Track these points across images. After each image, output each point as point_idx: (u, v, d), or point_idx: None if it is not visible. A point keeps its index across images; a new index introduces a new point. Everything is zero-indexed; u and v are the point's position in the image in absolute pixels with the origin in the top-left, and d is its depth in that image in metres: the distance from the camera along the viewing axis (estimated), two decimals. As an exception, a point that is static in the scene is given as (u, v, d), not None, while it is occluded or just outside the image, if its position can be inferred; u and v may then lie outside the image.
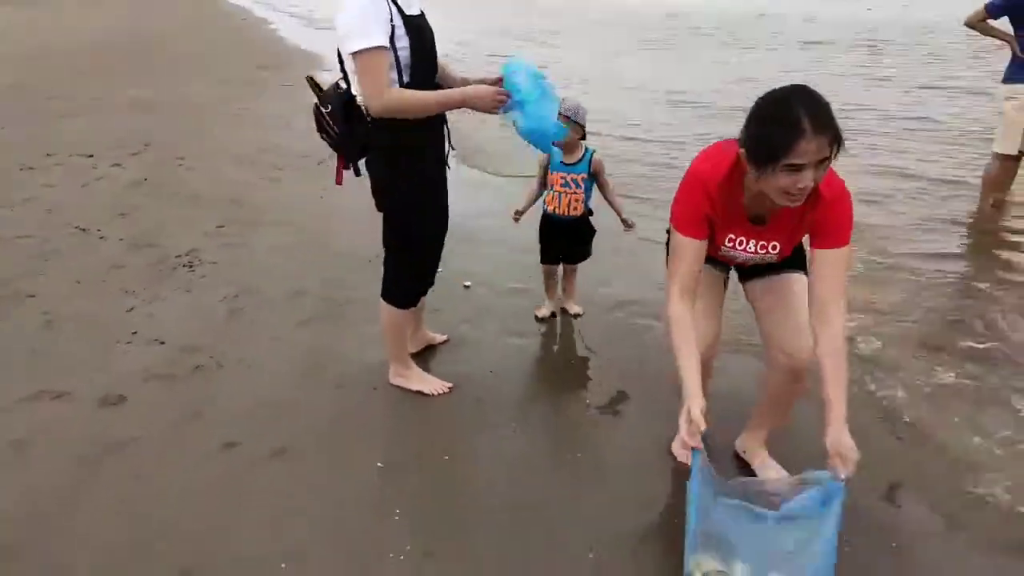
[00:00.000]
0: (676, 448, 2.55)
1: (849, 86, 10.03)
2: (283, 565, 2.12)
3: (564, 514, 2.31)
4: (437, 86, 2.57)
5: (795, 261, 2.24)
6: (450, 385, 3.01)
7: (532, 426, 2.79)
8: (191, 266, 4.26)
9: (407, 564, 2.12)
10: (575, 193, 3.37)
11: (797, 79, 1.87)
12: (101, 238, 4.70)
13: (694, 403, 1.86)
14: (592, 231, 3.51)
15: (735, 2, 28.04)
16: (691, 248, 2.02)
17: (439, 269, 2.95)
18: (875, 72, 11.47)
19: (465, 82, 2.66)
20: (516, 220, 3.51)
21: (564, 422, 2.83)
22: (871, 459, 2.05)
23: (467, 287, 3.98)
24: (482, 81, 2.61)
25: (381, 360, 3.13)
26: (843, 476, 1.73)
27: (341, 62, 2.53)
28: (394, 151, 2.55)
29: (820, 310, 1.92)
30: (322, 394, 2.99)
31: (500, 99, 2.46)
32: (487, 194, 5.70)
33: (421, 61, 2.47)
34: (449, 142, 2.76)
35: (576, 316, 3.66)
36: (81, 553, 2.16)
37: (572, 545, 2.18)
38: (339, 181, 2.77)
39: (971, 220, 5.06)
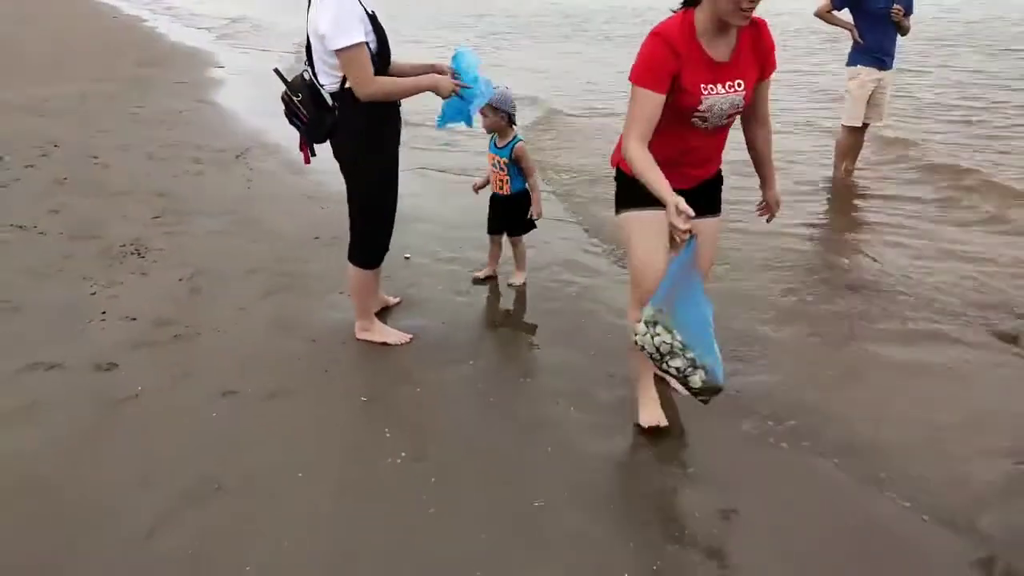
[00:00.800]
0: (645, 418, 2.79)
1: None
2: (300, 474, 2.56)
3: (525, 420, 2.87)
4: (389, 75, 3.04)
5: (714, 204, 2.67)
6: (410, 336, 3.49)
7: (486, 359, 3.34)
8: (139, 253, 4.50)
9: (404, 466, 2.61)
10: (500, 173, 3.91)
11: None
12: (41, 233, 4.83)
13: (677, 198, 2.15)
14: (527, 207, 3.94)
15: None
16: (651, 100, 2.26)
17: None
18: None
19: (415, 70, 3.15)
20: (476, 192, 4.15)
21: (512, 354, 3.39)
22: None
23: (407, 259, 4.45)
24: (432, 67, 3.13)
25: (343, 319, 3.58)
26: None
27: (308, 53, 2.96)
28: (366, 133, 3.01)
29: (762, 118, 2.55)
30: (298, 348, 3.41)
31: (457, 86, 3.03)
32: (419, 179, 6.16)
33: (380, 54, 2.94)
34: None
35: (512, 286, 4.12)
36: (114, 480, 2.52)
37: (533, 440, 2.75)
38: (307, 161, 3.20)
39: (829, 184, 6.00)
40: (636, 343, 2.35)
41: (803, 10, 10.32)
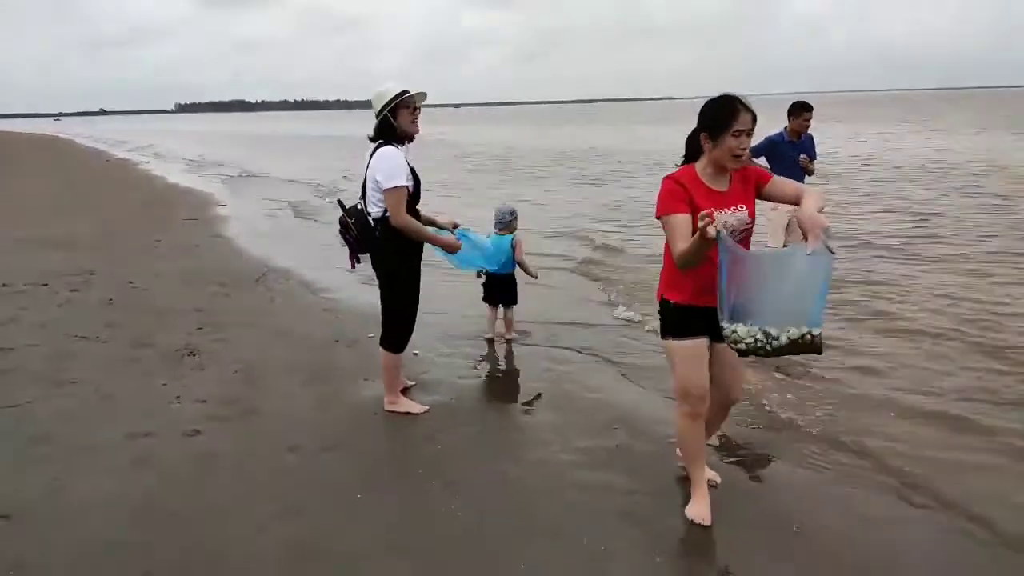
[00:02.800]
0: (694, 512, 3.20)
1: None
2: (359, 495, 3.45)
3: (525, 461, 3.82)
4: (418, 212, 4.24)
5: None
6: (427, 407, 4.45)
7: (490, 422, 4.31)
8: (194, 355, 5.45)
9: (436, 490, 3.52)
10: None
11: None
12: (103, 342, 5.77)
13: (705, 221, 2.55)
14: (515, 284, 5.62)
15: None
16: (680, 221, 2.80)
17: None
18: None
19: (431, 222, 4.41)
20: (481, 278, 5.58)
21: (510, 417, 4.37)
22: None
23: (416, 355, 5.45)
24: (445, 225, 4.53)
25: (372, 397, 4.56)
26: (811, 249, 2.59)
27: (363, 191, 4.13)
28: (398, 250, 4.14)
29: (793, 195, 2.93)
30: (340, 417, 4.34)
31: (458, 247, 4.41)
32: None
33: (414, 194, 4.12)
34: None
35: (508, 340, 5.73)
36: (220, 505, 3.38)
37: (533, 471, 3.69)
38: (352, 267, 4.41)
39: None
40: (736, 349, 2.74)
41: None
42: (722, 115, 2.82)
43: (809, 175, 6.98)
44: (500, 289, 5.69)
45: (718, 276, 2.68)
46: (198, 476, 3.65)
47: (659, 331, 3.17)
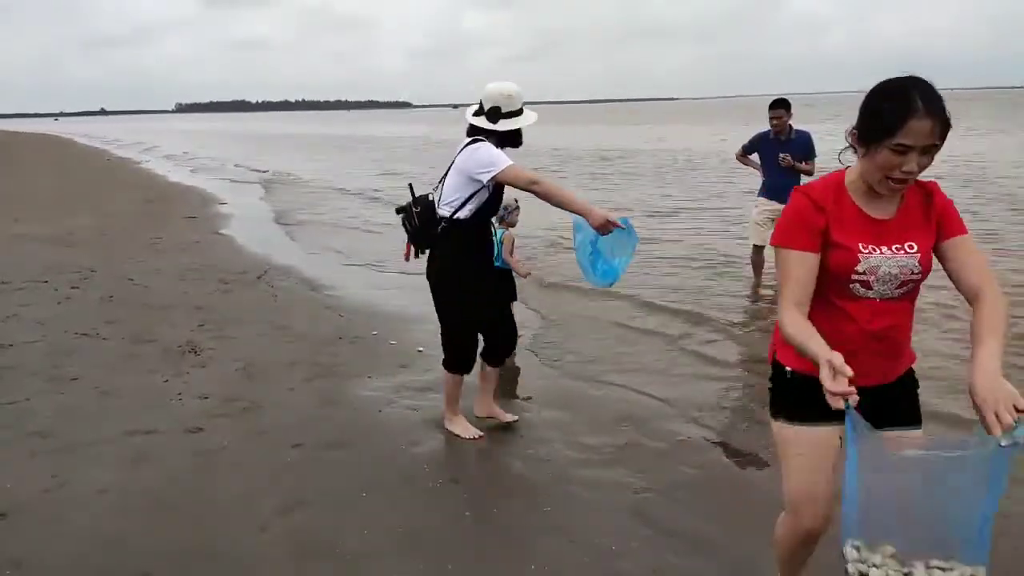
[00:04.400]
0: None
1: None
2: (363, 494, 3.39)
3: (527, 456, 3.76)
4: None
5: (913, 415, 2.08)
6: (481, 434, 3.93)
7: (494, 422, 4.26)
8: (195, 352, 5.39)
9: (443, 488, 3.46)
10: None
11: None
12: (104, 339, 5.70)
13: (832, 355, 1.65)
14: (513, 280, 5.25)
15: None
16: (798, 261, 1.89)
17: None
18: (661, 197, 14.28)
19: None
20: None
21: (515, 413, 4.31)
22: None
23: (421, 351, 5.39)
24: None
25: (375, 396, 4.50)
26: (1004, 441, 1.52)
27: (442, 180, 3.69)
28: (452, 260, 3.67)
29: (972, 290, 1.85)
30: (343, 415, 4.28)
31: (613, 224, 3.34)
32: (424, 292, 7.21)
33: (492, 208, 3.76)
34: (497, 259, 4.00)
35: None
36: (223, 499, 3.32)
37: (536, 469, 3.63)
38: (407, 258, 3.86)
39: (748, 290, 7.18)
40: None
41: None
42: (884, 115, 1.76)
43: (808, 175, 6.89)
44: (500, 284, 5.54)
45: (846, 472, 1.66)
46: (200, 473, 3.59)
47: (769, 408, 2.17)
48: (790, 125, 6.71)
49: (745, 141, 7.11)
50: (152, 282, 7.60)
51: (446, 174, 3.70)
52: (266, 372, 4.98)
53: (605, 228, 3.36)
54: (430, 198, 3.75)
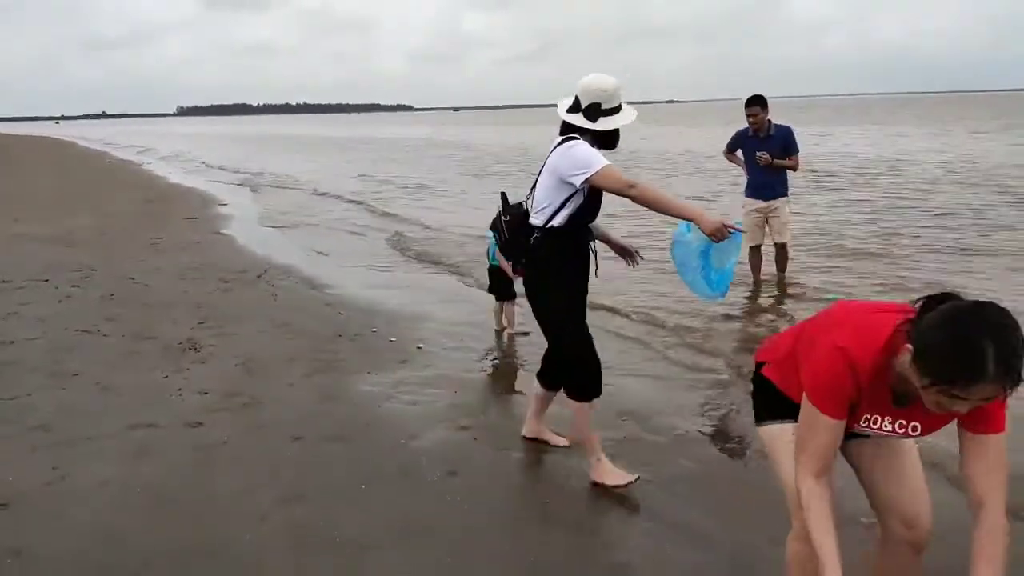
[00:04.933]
0: None
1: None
2: (363, 486, 3.40)
3: (521, 450, 3.78)
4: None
5: None
6: (636, 476, 3.27)
7: (491, 415, 4.26)
8: (195, 348, 5.40)
9: (441, 481, 3.47)
10: None
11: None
12: (104, 336, 5.72)
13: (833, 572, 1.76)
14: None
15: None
16: (833, 429, 1.85)
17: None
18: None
19: (605, 238, 3.49)
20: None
21: (511, 409, 4.31)
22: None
23: (420, 348, 5.41)
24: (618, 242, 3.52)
25: (374, 391, 4.52)
26: None
27: (533, 187, 3.31)
28: (549, 266, 3.24)
29: (976, 499, 1.73)
30: (342, 410, 4.29)
31: (727, 230, 2.92)
32: (423, 292, 7.23)
33: (590, 211, 3.29)
34: (596, 268, 3.41)
35: (512, 335, 5.65)
36: (224, 492, 3.33)
37: (533, 458, 3.64)
38: (512, 273, 3.51)
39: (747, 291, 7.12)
40: None
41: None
42: (948, 368, 1.57)
43: (792, 171, 6.88)
44: (499, 282, 5.57)
45: None
46: (200, 465, 3.60)
47: (755, 419, 2.21)
48: (769, 121, 6.70)
49: (728, 139, 7.14)
50: (152, 281, 7.61)
51: (538, 178, 3.32)
52: (266, 368, 4.99)
53: (720, 234, 2.92)
54: (524, 207, 3.37)
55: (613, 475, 3.30)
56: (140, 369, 4.97)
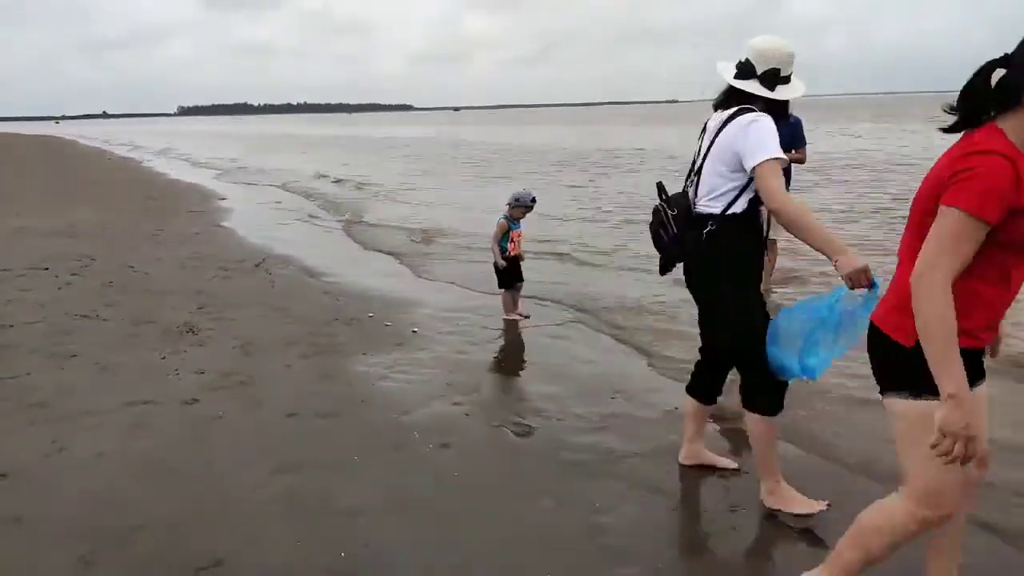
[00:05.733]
0: None
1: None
2: (356, 458, 3.46)
3: (514, 424, 3.84)
4: None
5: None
6: (827, 503, 2.82)
7: (484, 393, 4.31)
8: (193, 332, 5.46)
9: (433, 452, 3.53)
10: (522, 239, 5.61)
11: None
12: (104, 320, 5.78)
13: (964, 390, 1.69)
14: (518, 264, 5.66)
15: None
16: (979, 235, 1.71)
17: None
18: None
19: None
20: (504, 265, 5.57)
21: (503, 389, 4.37)
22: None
23: (415, 332, 5.46)
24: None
25: (370, 371, 4.57)
26: None
27: (698, 171, 2.84)
28: (728, 263, 2.79)
29: None
30: (338, 389, 4.35)
31: (868, 279, 2.43)
32: (419, 285, 7.29)
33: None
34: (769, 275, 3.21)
35: (527, 316, 5.75)
36: (220, 462, 3.39)
37: (535, 430, 3.70)
38: (662, 272, 3.03)
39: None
40: None
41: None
42: None
43: (799, 164, 6.90)
44: (513, 271, 5.65)
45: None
46: (196, 438, 3.67)
47: (888, 385, 1.93)
48: None
49: None
50: (152, 269, 7.67)
51: (702, 163, 2.84)
52: (263, 350, 5.05)
53: (857, 279, 2.45)
54: (687, 195, 2.90)
55: (798, 502, 2.85)
56: (138, 351, 5.03)
